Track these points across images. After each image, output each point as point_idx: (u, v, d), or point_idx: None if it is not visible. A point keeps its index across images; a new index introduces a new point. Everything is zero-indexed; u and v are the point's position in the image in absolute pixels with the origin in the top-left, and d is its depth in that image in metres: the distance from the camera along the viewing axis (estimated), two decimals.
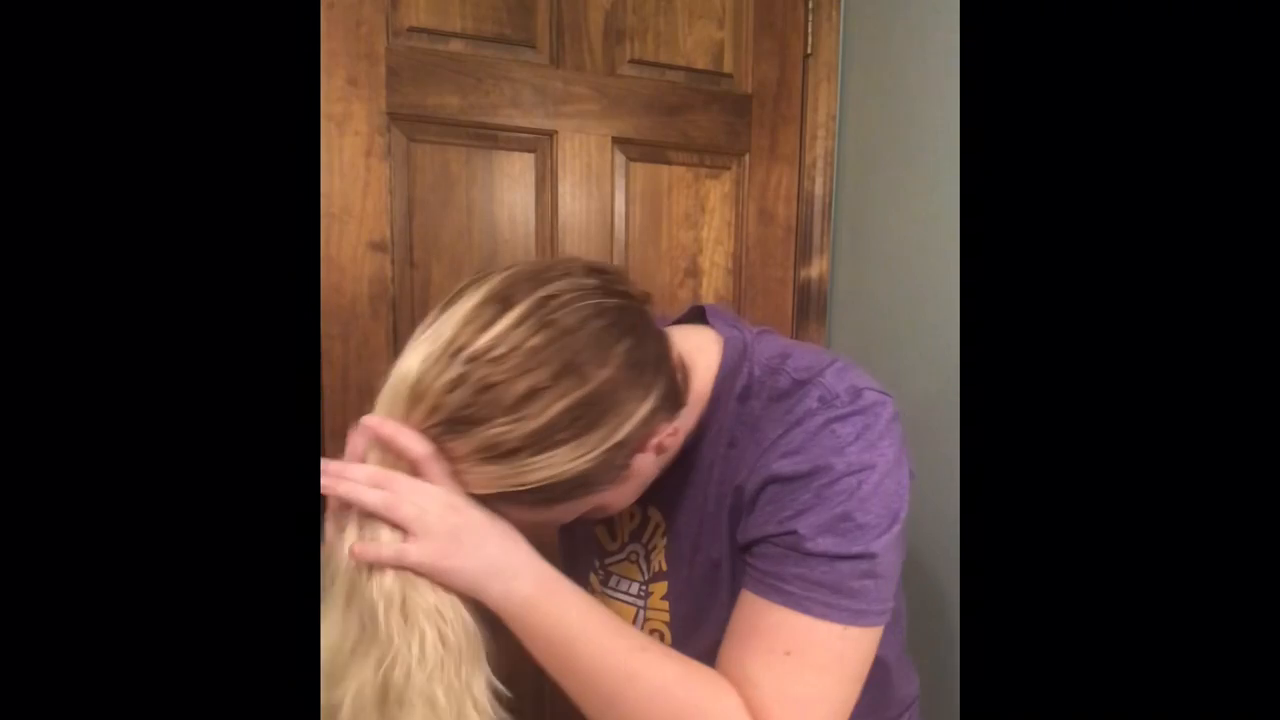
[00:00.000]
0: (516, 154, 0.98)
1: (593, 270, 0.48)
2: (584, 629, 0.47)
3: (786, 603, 0.47)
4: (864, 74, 1.07)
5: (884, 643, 0.54)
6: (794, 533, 0.47)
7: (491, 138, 0.96)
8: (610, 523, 0.64)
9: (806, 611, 0.47)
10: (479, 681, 0.46)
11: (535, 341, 0.42)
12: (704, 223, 1.09)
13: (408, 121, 0.92)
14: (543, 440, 0.43)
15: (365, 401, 0.86)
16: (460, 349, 0.43)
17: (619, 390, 0.44)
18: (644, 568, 0.61)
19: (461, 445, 0.44)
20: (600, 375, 0.44)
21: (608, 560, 0.64)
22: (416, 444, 0.44)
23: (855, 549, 0.47)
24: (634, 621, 0.62)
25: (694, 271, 1.09)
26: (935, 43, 0.93)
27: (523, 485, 0.44)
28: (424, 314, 0.47)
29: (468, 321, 0.43)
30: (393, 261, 0.93)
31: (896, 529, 0.48)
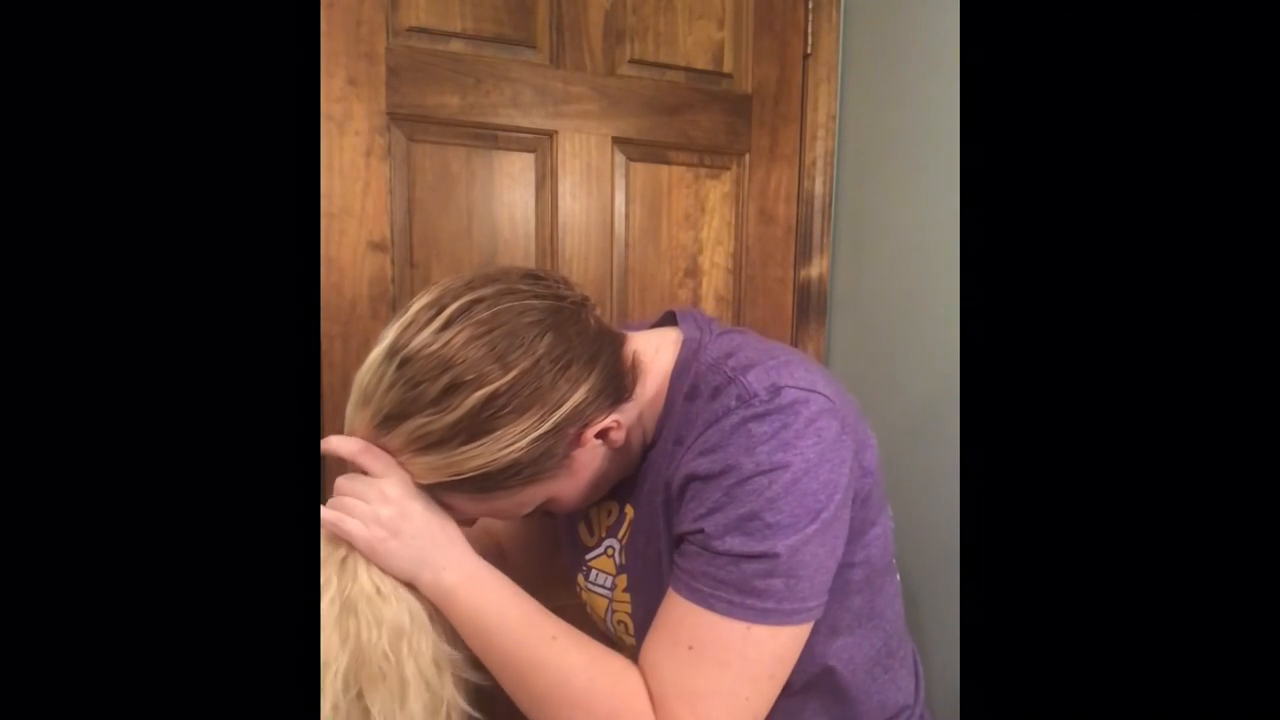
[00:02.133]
0: (516, 154, 0.98)
1: (527, 275, 0.52)
2: (501, 619, 0.51)
3: (693, 599, 0.49)
4: (864, 74, 1.07)
5: (833, 650, 0.55)
6: (702, 531, 0.49)
7: (491, 138, 0.96)
8: (589, 520, 0.66)
9: (710, 608, 0.48)
10: (426, 648, 0.51)
11: (460, 340, 0.47)
12: (704, 223, 1.09)
13: (408, 121, 0.92)
14: (467, 430, 0.47)
15: None
16: (396, 351, 0.48)
17: (542, 381, 0.48)
18: (616, 561, 0.63)
19: (394, 439, 0.49)
20: (520, 366, 0.47)
21: (588, 556, 0.66)
22: (344, 444, 0.51)
23: (760, 548, 0.47)
24: (604, 613, 0.64)
25: (694, 271, 1.09)
26: (935, 43, 0.93)
27: (459, 474, 0.49)
28: (407, 308, 0.51)
29: (406, 326, 0.48)
30: (393, 261, 0.93)
31: (813, 529, 0.48)
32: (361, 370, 0.49)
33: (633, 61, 1.02)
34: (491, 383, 0.46)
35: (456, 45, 0.93)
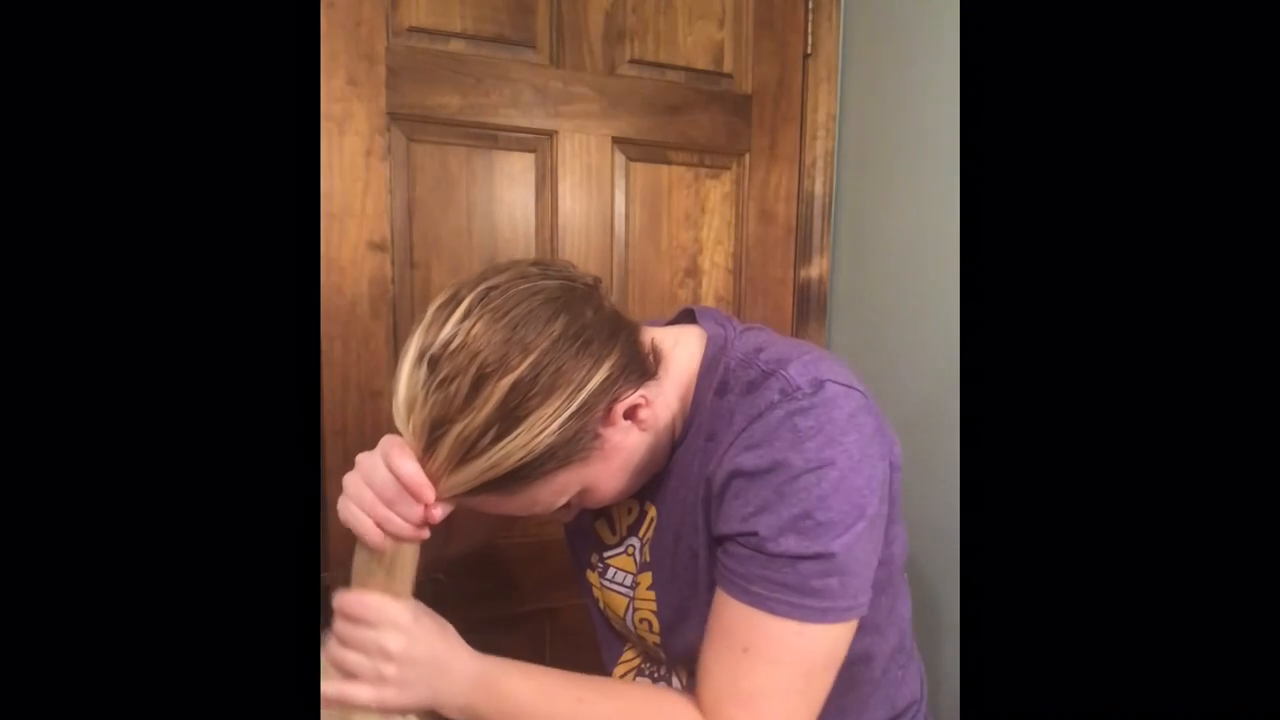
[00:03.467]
0: (516, 154, 0.98)
1: (536, 262, 0.51)
2: (525, 705, 0.52)
3: (751, 602, 0.49)
4: (864, 74, 1.07)
5: (859, 648, 0.54)
6: (756, 534, 0.48)
7: (491, 138, 0.96)
8: (610, 518, 0.65)
9: (770, 611, 0.48)
10: None
11: (480, 327, 0.46)
12: (704, 223, 1.09)
13: (408, 121, 0.92)
14: (500, 423, 0.46)
15: (365, 401, 0.88)
16: (423, 354, 0.47)
17: (563, 360, 0.47)
18: (637, 559, 0.62)
19: (440, 454, 0.47)
20: (540, 347, 0.46)
21: (606, 554, 0.65)
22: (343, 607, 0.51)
23: (816, 548, 0.47)
24: (624, 611, 0.64)
25: (694, 271, 1.09)
26: (935, 43, 0.93)
27: (499, 473, 0.47)
28: (424, 314, 0.49)
29: (427, 329, 0.48)
30: (393, 261, 0.93)
31: (861, 525, 0.48)
32: (397, 385, 0.48)
33: (633, 61, 1.02)
34: (514, 369, 0.46)
35: (456, 45, 0.93)
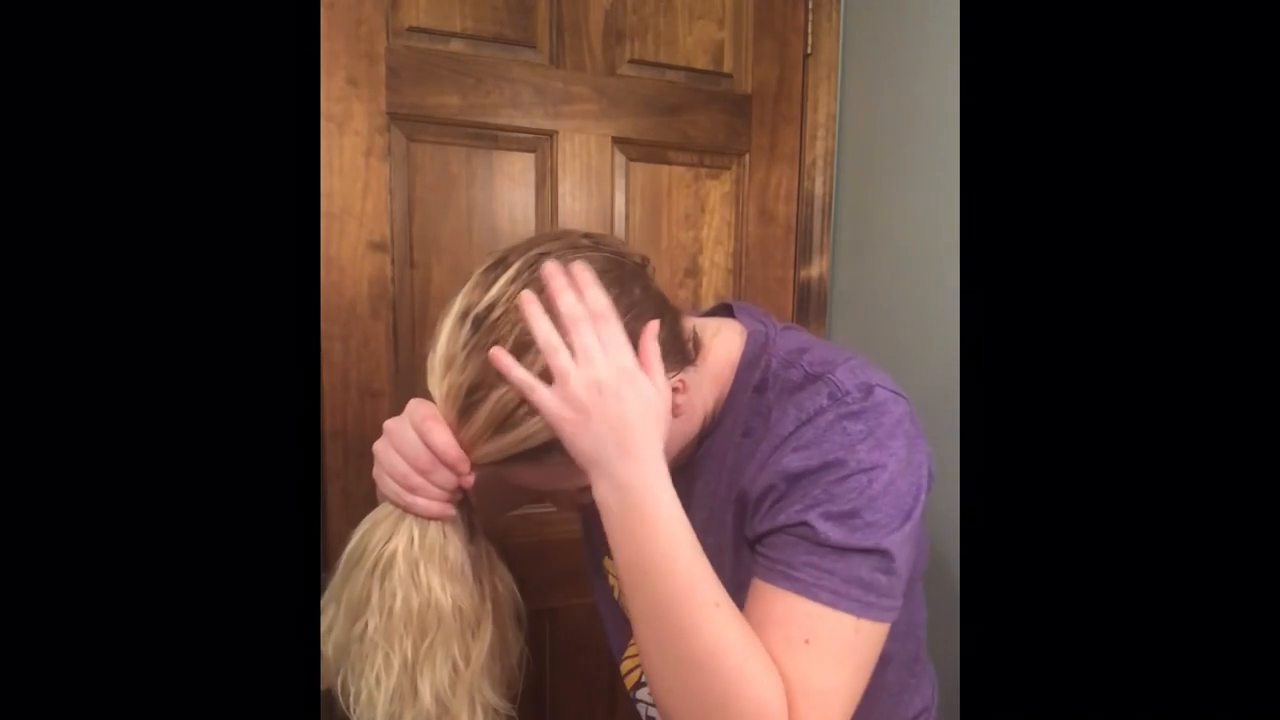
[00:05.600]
0: (516, 154, 0.98)
1: (588, 235, 0.51)
2: (667, 562, 0.45)
3: (797, 589, 0.47)
4: (864, 74, 1.07)
5: (890, 645, 0.53)
6: (805, 523, 0.47)
7: (491, 138, 0.96)
8: None
9: (815, 598, 0.46)
10: (442, 661, 0.49)
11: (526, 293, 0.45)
12: (704, 223, 1.09)
13: (408, 121, 0.92)
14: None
15: (365, 401, 0.88)
16: (466, 312, 0.46)
17: None
18: None
19: (476, 422, 0.46)
20: None
21: None
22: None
23: (868, 543, 0.46)
24: None
25: (694, 271, 1.09)
26: (935, 43, 0.92)
27: (533, 445, 0.46)
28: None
29: (474, 287, 0.47)
30: (393, 261, 0.93)
31: (908, 528, 0.48)
32: (436, 340, 0.47)
33: (633, 61, 1.02)
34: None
35: (456, 45, 0.93)
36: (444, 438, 0.46)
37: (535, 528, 1.02)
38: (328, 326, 0.90)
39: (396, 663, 0.48)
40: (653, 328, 0.48)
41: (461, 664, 0.50)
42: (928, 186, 0.94)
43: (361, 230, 0.91)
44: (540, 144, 0.99)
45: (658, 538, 0.46)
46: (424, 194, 0.94)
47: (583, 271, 0.46)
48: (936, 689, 0.69)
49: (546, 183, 0.99)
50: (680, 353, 0.51)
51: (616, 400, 0.45)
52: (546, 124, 0.98)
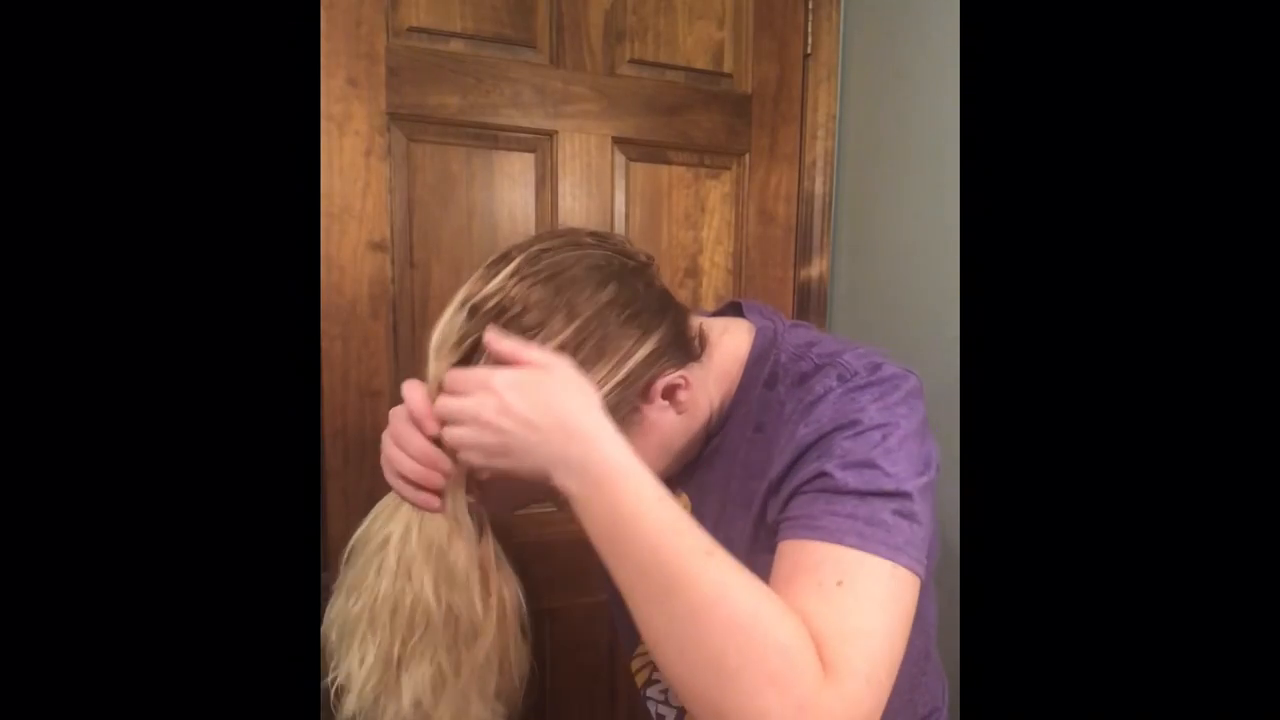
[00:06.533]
0: (516, 154, 0.98)
1: (593, 233, 0.52)
2: (643, 527, 0.42)
3: (822, 537, 0.44)
4: (864, 74, 1.07)
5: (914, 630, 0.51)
6: (823, 473, 0.46)
7: (491, 138, 0.96)
8: None
9: (840, 542, 0.44)
10: (427, 664, 0.49)
11: (525, 285, 0.46)
12: (704, 223, 1.09)
13: (408, 121, 0.92)
14: None
15: (365, 401, 0.88)
16: (467, 299, 0.47)
17: (609, 328, 0.47)
18: None
19: None
20: (585, 313, 0.46)
21: None
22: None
23: (889, 486, 0.45)
24: None
25: (694, 271, 1.09)
26: (935, 43, 0.92)
27: None
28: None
29: (477, 278, 0.48)
30: (393, 261, 0.93)
31: (925, 479, 0.47)
32: (437, 327, 0.48)
33: (633, 61, 1.02)
34: (557, 332, 0.45)
35: (456, 45, 0.93)
36: (416, 394, 0.47)
37: (535, 527, 1.02)
38: (328, 326, 0.90)
39: (377, 648, 0.49)
40: (494, 338, 0.45)
41: (449, 672, 0.50)
42: (928, 186, 0.94)
43: (361, 230, 0.91)
44: (540, 144, 0.99)
45: (623, 493, 0.42)
46: (424, 194, 0.94)
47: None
48: (948, 691, 0.68)
49: (547, 183, 0.99)
50: (684, 349, 0.51)
51: (525, 408, 0.43)
52: (546, 124, 0.98)
